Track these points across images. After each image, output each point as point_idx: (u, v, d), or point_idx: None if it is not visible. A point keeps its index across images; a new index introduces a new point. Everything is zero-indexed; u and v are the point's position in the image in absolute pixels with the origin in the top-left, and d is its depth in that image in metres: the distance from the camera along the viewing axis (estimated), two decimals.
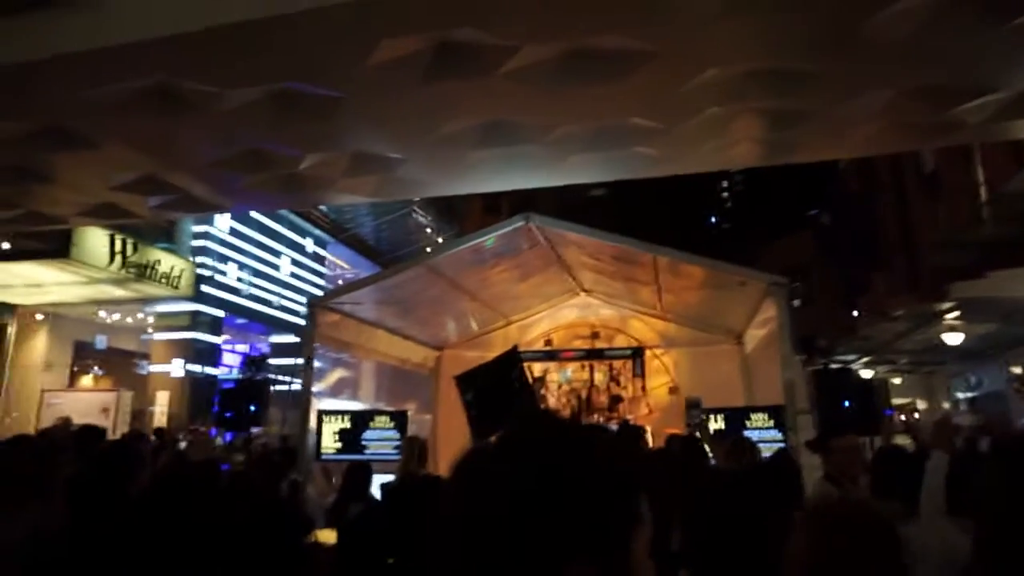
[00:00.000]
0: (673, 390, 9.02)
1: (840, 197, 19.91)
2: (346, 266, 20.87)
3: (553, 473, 0.69)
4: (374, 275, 9.13)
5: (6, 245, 10.15)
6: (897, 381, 18.26)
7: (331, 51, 3.74)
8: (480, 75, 3.93)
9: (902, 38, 3.73)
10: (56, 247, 10.49)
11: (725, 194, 36.45)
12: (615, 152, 5.32)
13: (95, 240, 11.11)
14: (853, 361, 15.83)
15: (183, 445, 7.10)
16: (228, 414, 6.78)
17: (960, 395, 16.57)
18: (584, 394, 8.98)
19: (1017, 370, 12.60)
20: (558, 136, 4.94)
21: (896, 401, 18.21)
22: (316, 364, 8.65)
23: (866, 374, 16.19)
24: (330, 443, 7.31)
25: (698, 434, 4.75)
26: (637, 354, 9.02)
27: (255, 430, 7.44)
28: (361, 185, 5.96)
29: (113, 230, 11.23)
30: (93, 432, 2.93)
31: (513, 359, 4.85)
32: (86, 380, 15.52)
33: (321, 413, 7.51)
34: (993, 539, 1.29)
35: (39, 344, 13.84)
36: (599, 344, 9.44)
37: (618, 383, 9.00)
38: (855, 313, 17.12)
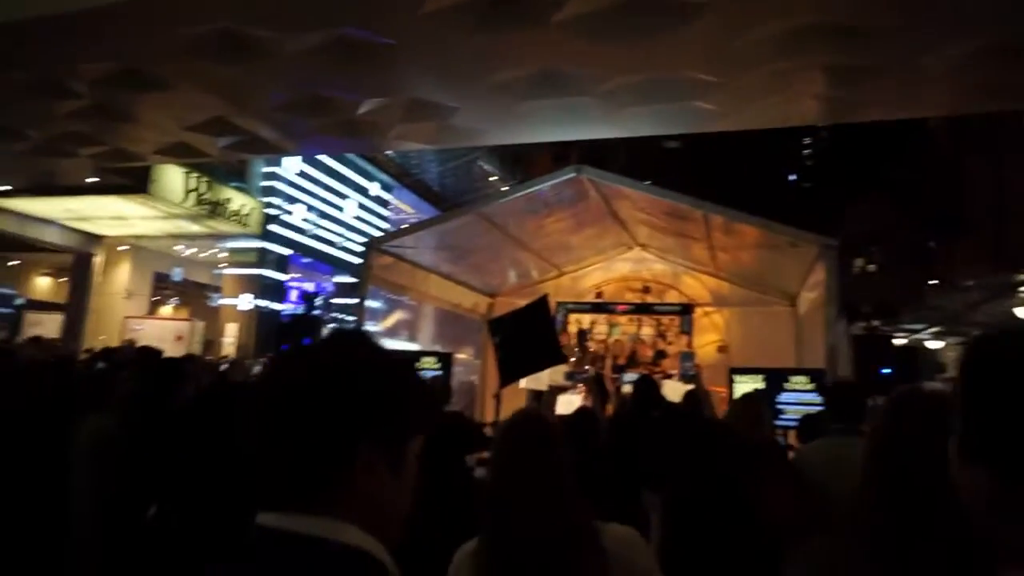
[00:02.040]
0: (722, 349, 8.96)
1: (927, 157, 18.87)
2: (410, 211, 21.18)
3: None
4: (428, 220, 9.32)
5: (92, 179, 10.82)
6: None
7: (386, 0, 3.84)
8: (532, 24, 3.96)
9: None
10: (137, 183, 11.14)
11: (807, 151, 34.75)
12: (671, 105, 5.26)
13: (172, 177, 11.69)
14: (920, 331, 15.28)
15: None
16: (284, 346, 7.16)
17: None
18: (630, 347, 9.03)
19: None
20: (611, 87, 4.91)
21: None
22: (376, 305, 8.97)
23: (934, 345, 15.63)
24: None
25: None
26: (685, 311, 8.97)
27: None
28: (418, 131, 6.10)
29: (188, 168, 11.78)
30: (150, 353, 3.22)
31: (542, 306, 4.95)
32: (165, 309, 16.54)
33: None
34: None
35: (122, 274, 14.78)
36: (650, 299, 9.42)
37: (664, 339, 9.00)
38: (930, 281, 16.43)
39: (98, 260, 14.58)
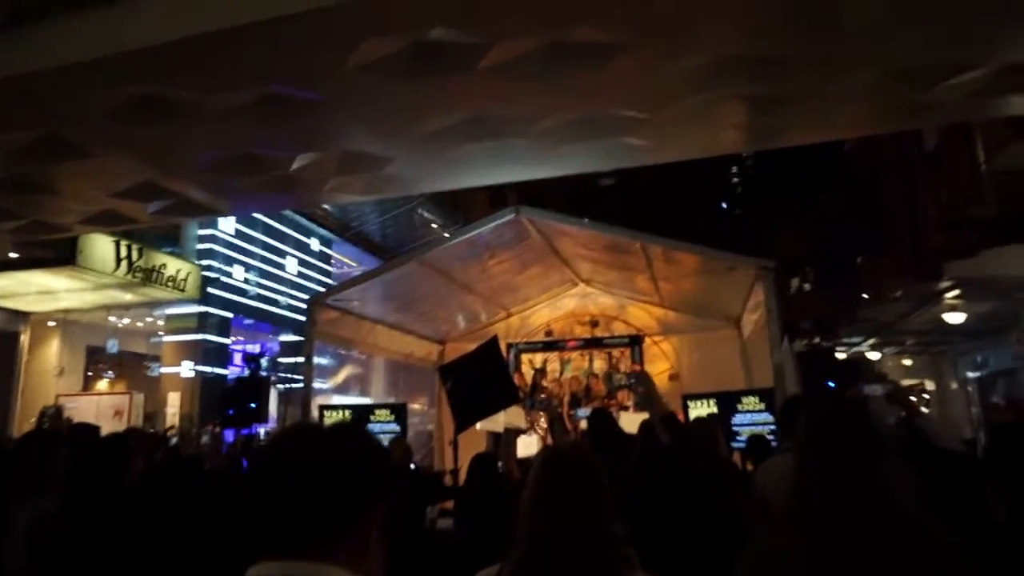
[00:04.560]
0: (674, 377, 9.08)
1: (846, 179, 19.81)
2: (353, 264, 20.95)
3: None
4: (370, 271, 9.24)
5: (13, 255, 10.35)
6: (907, 363, 18.19)
7: (311, 54, 3.84)
8: (458, 72, 4.01)
9: (873, 17, 3.78)
10: (63, 255, 10.68)
11: (735, 180, 36.04)
12: (602, 142, 5.38)
13: (101, 246, 11.27)
14: (859, 344, 15.81)
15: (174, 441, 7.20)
16: (230, 411, 6.93)
17: (969, 375, 16.50)
18: (584, 382, 9.07)
19: None
20: (543, 128, 5.01)
21: (906, 382, 18.13)
22: (324, 361, 8.76)
23: (872, 356, 16.17)
24: None
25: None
26: (635, 342, 9.10)
27: (260, 428, 7.57)
28: (353, 184, 6.06)
29: (119, 236, 11.39)
30: (87, 429, 3.06)
31: (492, 348, 4.94)
32: (101, 384, 15.77)
33: (322, 408, 7.66)
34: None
35: (52, 350, 14.07)
36: (599, 332, 9.53)
37: (617, 371, 9.08)
38: (862, 295, 17.06)
39: (24, 338, 13.87)
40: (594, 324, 9.66)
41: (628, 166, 6.69)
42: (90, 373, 15.50)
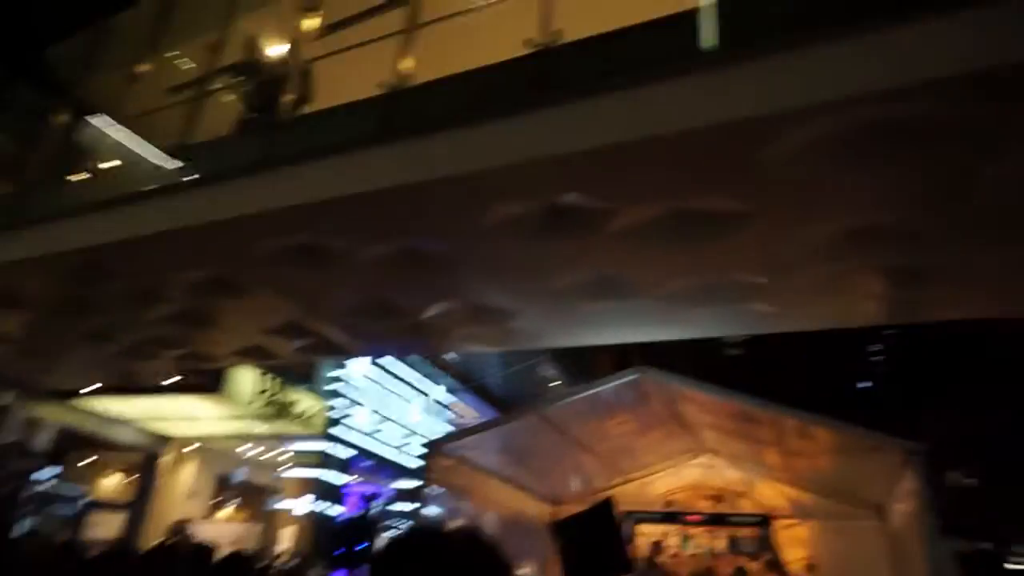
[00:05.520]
0: (811, 568, 8.08)
1: (1004, 356, 18.03)
2: (474, 415, 21.13)
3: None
4: (489, 421, 9.26)
5: (173, 380, 11.35)
6: None
7: (451, 213, 4.17)
8: (587, 234, 4.18)
9: (1012, 197, 3.58)
10: (212, 383, 11.58)
11: (876, 352, 33.81)
12: (728, 307, 5.29)
13: (246, 378, 12.13)
14: None
15: None
16: (337, 551, 6.87)
17: None
18: (707, 562, 8.27)
19: None
20: (668, 291, 5.02)
21: None
22: (435, 512, 8.58)
23: None
24: None
25: None
26: (764, 523, 8.28)
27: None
28: (480, 335, 6.28)
29: (263, 370, 12.24)
30: (205, 551, 3.18)
31: (607, 509, 4.65)
32: (224, 511, 16.33)
33: None
34: None
35: (187, 474, 14.87)
36: (722, 508, 8.80)
37: (742, 553, 8.24)
38: None
39: (165, 460, 14.82)
40: (718, 499, 8.96)
41: (756, 333, 6.49)
42: (216, 499, 16.15)
